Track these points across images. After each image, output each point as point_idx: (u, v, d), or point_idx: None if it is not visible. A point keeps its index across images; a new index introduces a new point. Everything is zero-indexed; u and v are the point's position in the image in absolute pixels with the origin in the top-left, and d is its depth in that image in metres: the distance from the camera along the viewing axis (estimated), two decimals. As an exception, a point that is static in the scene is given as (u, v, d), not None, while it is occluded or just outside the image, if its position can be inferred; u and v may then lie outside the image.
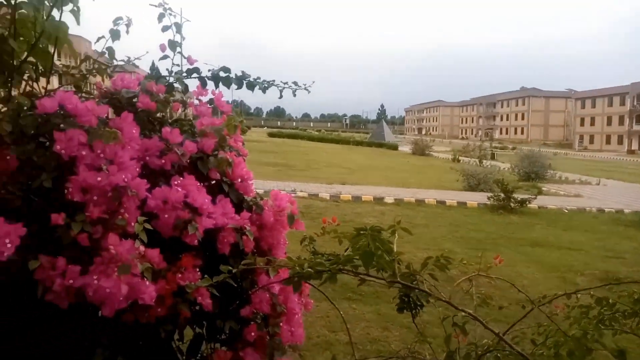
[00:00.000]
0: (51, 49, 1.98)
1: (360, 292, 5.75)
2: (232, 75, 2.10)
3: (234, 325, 1.80)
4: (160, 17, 2.13)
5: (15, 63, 1.87)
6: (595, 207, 14.52)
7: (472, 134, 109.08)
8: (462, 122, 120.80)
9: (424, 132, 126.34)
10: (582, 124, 79.24)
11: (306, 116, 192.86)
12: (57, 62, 2.14)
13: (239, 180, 2.02)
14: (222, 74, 2.09)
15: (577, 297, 2.49)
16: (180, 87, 2.00)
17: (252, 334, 1.76)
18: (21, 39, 1.91)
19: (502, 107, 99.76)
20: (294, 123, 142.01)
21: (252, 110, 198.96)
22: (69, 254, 1.35)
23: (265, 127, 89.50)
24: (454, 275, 2.18)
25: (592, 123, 76.88)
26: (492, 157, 36.73)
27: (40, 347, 1.38)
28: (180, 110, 2.22)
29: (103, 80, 2.07)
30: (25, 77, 2.00)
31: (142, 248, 1.41)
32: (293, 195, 14.63)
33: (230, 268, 1.49)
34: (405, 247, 8.27)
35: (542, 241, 9.59)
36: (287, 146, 37.77)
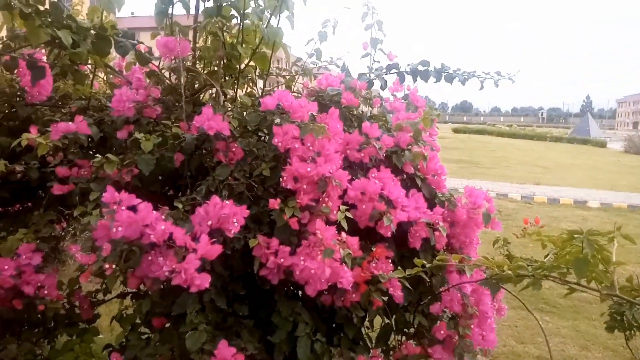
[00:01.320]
0: (268, 54, 2.23)
1: (555, 304, 5.22)
2: (431, 68, 2.08)
3: (422, 321, 1.80)
4: (364, 15, 2.23)
5: (239, 67, 2.16)
6: None
7: None
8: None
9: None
10: None
11: (495, 110, 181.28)
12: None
13: (432, 175, 2.00)
14: (420, 67, 2.10)
15: None
16: (380, 83, 2.07)
17: (442, 332, 1.74)
18: (243, 45, 2.19)
19: None
20: (482, 118, 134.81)
21: (436, 106, 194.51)
22: (280, 236, 1.51)
23: (450, 123, 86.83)
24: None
25: None
26: None
27: (255, 316, 1.58)
28: (377, 106, 2.30)
29: (311, 80, 2.26)
30: (246, 79, 2.30)
31: (343, 235, 1.50)
32: (479, 193, 13.88)
33: (424, 262, 1.49)
34: (612, 259, 7.21)
35: None
36: (473, 142, 36.10)
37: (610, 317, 2.01)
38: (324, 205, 1.54)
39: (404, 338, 1.92)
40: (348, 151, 1.82)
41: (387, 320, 1.88)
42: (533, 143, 40.75)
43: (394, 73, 2.13)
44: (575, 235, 1.31)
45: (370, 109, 2.26)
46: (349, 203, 1.71)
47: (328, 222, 1.57)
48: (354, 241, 1.56)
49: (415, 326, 1.85)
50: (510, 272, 1.43)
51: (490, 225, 1.92)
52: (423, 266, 1.52)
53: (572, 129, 54.47)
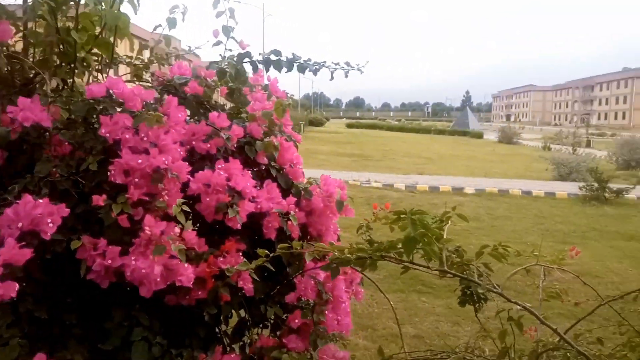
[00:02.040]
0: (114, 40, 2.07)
1: (431, 284, 5.57)
2: (283, 58, 2.06)
3: (278, 312, 1.79)
4: (215, 3, 2.15)
5: (79, 55, 1.98)
6: None
7: (566, 120, 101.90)
8: (555, 108, 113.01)
9: (512, 119, 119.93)
10: (696, 107, 71.11)
11: (386, 106, 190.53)
12: (122, 54, 2.24)
13: (289, 165, 1.99)
14: (272, 57, 2.07)
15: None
16: (230, 71, 2.00)
17: (296, 321, 1.74)
18: (88, 33, 2.01)
19: (600, 90, 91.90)
20: (373, 113, 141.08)
21: (331, 102, 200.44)
22: (111, 236, 1.40)
23: (344, 118, 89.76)
24: (534, 269, 2.03)
25: None
26: (588, 145, 34.04)
27: (84, 325, 1.45)
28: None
29: (160, 68, 2.13)
30: (89, 67, 2.11)
31: (177, 230, 1.42)
32: (367, 185, 14.39)
33: (268, 252, 1.46)
34: (482, 239, 7.89)
35: (639, 235, 8.72)
36: (364, 137, 37.57)
37: (461, 292, 2.15)
38: (160, 199, 1.45)
39: (263, 331, 1.89)
40: (194, 142, 1.74)
41: (243, 315, 1.84)
42: (419, 136, 43.42)
43: (246, 62, 2.08)
44: (402, 216, 1.36)
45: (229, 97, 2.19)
46: (196, 196, 1.63)
47: (170, 218, 1.48)
48: (192, 235, 1.48)
49: (273, 318, 1.83)
50: (350, 255, 1.46)
51: (343, 212, 1.95)
52: (267, 255, 1.49)
53: (454, 122, 58.95)
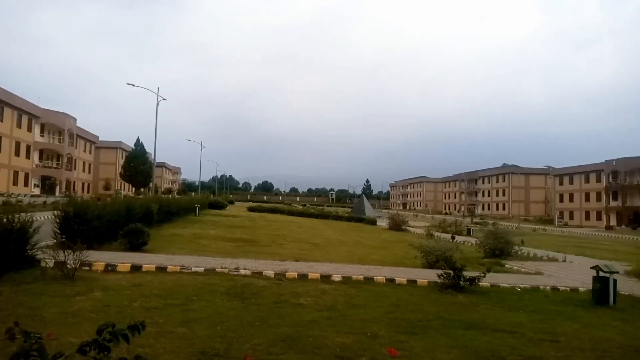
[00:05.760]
0: None
1: None
2: None
3: None
4: None
5: None
6: (552, 285, 14.14)
7: (455, 209, 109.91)
8: (445, 198, 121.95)
9: (408, 207, 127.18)
10: (561, 200, 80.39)
11: (294, 191, 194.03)
12: None
13: None
14: None
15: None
16: None
17: None
18: None
19: (483, 183, 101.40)
20: (280, 197, 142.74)
21: (240, 185, 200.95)
22: None
23: (251, 202, 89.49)
24: None
25: (571, 199, 78.06)
26: (468, 233, 36.65)
27: None
28: None
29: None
30: None
31: None
32: (235, 273, 13.86)
33: None
34: (326, 330, 7.76)
35: (479, 323, 9.12)
36: (261, 221, 37.46)
37: None
38: None
39: None
40: None
41: None
42: (317, 221, 44.17)
43: None
44: None
45: None
46: None
47: None
48: None
49: None
50: None
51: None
52: None
53: (352, 208, 61.16)
